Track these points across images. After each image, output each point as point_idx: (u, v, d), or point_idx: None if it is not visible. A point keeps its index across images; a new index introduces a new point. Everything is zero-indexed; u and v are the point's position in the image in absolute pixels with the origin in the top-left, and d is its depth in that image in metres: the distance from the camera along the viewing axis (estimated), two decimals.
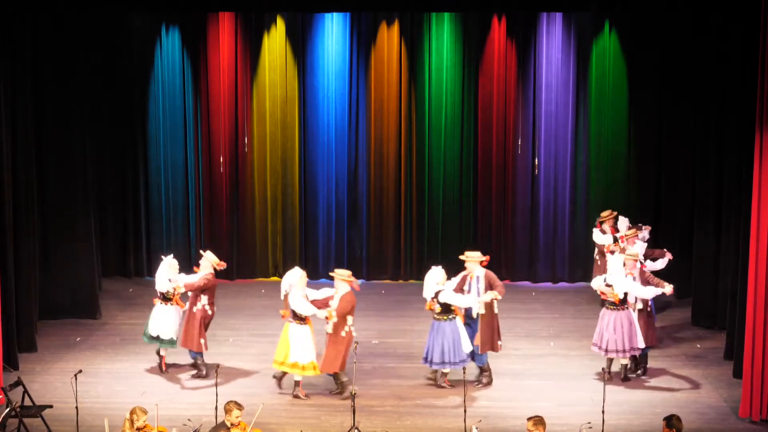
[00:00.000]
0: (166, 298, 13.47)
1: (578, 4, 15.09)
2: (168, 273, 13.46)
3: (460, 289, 12.96)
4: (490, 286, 12.91)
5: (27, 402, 11.87)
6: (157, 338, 13.43)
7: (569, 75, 17.54)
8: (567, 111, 17.64)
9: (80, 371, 11.61)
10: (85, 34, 15.74)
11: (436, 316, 12.86)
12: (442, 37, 17.61)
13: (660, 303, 15.47)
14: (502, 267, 17.45)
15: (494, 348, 13.09)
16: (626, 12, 16.58)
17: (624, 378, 13.24)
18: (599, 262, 16.05)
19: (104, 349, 14.57)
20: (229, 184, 17.97)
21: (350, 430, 11.44)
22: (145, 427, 10.30)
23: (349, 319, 12.68)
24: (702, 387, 13.15)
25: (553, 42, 17.47)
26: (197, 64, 17.71)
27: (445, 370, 12.98)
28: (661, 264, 14.80)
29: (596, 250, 16.31)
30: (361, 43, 17.70)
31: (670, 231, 16.84)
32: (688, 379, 13.43)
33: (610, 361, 13.21)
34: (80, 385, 11.45)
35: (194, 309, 13.31)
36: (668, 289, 13.14)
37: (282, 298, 12.84)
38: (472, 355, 13.00)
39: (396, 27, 17.57)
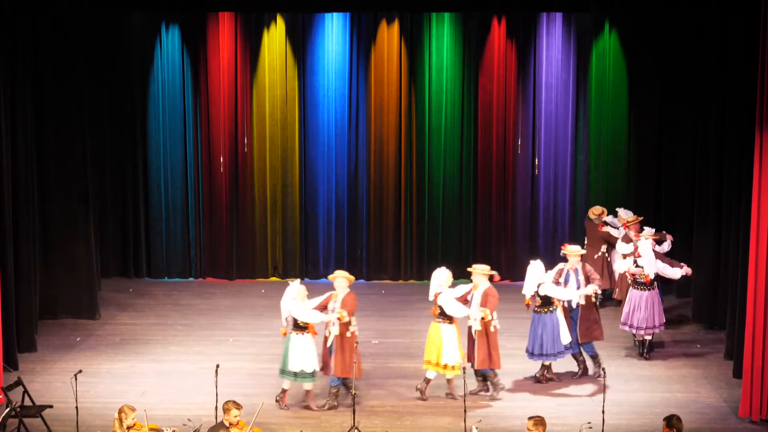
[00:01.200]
0: (299, 327, 12.25)
1: (578, 4, 15.11)
2: (299, 300, 12.25)
3: (556, 281, 13.26)
4: (587, 278, 13.30)
5: (27, 402, 11.86)
6: (300, 374, 12.28)
7: (569, 75, 17.55)
8: (567, 111, 17.65)
9: (80, 371, 11.58)
10: (85, 34, 15.73)
11: (536, 308, 13.08)
12: (442, 37, 17.60)
13: None
14: (502, 267, 17.41)
15: (597, 337, 13.41)
16: (626, 12, 16.57)
17: (641, 353, 14.02)
18: (609, 258, 16.19)
19: (104, 349, 14.56)
20: (229, 184, 17.96)
21: (350, 430, 11.45)
22: (134, 425, 10.27)
23: (494, 314, 12.71)
24: (702, 387, 13.15)
25: (553, 42, 17.47)
26: (197, 64, 17.71)
27: (546, 363, 13.18)
28: (666, 247, 15.15)
29: (603, 247, 16.29)
30: (361, 43, 17.69)
31: (670, 231, 16.79)
32: (688, 379, 13.43)
33: (642, 340, 13.97)
34: (80, 385, 11.43)
35: (347, 334, 12.28)
36: (688, 269, 14.33)
37: (431, 298, 12.71)
38: (572, 346, 13.23)
39: (396, 27, 17.56)
